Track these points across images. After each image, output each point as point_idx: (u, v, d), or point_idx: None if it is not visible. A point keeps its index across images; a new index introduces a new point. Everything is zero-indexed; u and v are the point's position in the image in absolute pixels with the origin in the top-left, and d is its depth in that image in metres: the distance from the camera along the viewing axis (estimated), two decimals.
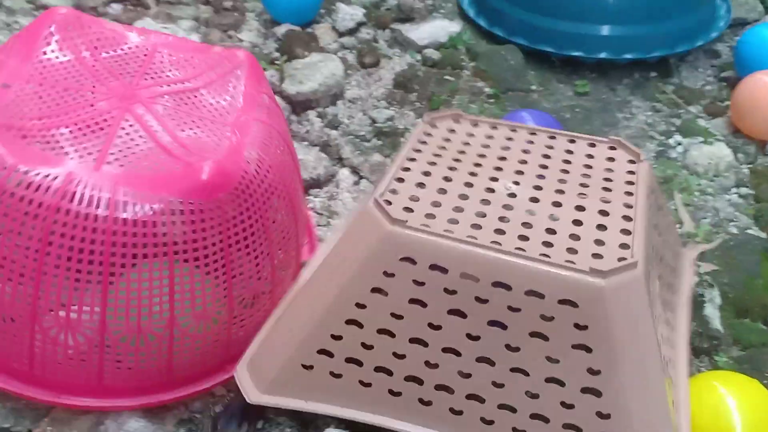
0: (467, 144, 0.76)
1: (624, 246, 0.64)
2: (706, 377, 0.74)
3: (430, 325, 0.62)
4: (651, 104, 1.26)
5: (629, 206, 0.68)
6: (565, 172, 0.73)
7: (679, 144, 1.17)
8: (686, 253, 0.88)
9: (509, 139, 0.77)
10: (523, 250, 0.62)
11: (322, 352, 0.65)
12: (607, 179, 0.72)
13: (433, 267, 0.61)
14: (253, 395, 0.68)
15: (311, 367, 0.66)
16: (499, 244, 0.62)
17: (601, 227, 0.66)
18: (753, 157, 1.14)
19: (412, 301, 0.62)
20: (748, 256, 0.96)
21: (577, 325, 0.59)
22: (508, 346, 0.61)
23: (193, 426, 0.71)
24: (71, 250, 0.61)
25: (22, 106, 0.66)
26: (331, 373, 0.65)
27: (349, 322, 0.64)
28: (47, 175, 0.61)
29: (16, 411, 0.70)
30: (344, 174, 1.02)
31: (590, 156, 0.75)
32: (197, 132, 0.69)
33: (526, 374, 0.61)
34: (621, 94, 1.29)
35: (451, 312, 0.62)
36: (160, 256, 0.62)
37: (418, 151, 0.74)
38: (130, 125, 0.67)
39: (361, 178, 1.02)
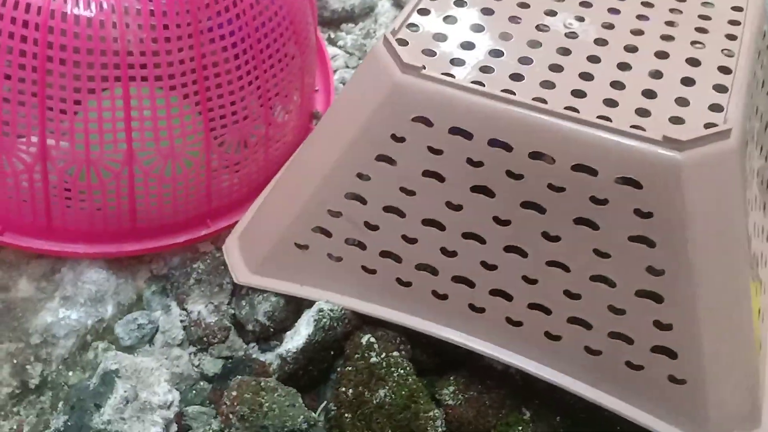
0: None
1: (716, 108, 0.48)
2: None
3: (449, 204, 0.50)
4: None
5: (729, 54, 0.51)
6: (648, 5, 0.56)
7: None
8: None
9: None
10: (576, 110, 0.47)
11: (318, 230, 0.54)
12: (703, 16, 0.55)
13: (455, 130, 0.48)
14: (242, 275, 0.58)
15: (306, 246, 0.55)
16: (545, 102, 0.48)
17: (688, 81, 0.50)
18: None
19: (427, 173, 0.50)
20: None
21: (638, 212, 0.46)
22: (545, 234, 0.48)
23: (167, 283, 0.61)
24: None
25: None
26: (330, 256, 0.55)
27: (349, 196, 0.52)
28: None
29: None
30: (385, 6, 0.85)
31: None
32: None
33: (566, 269, 0.48)
34: None
35: (475, 189, 0.49)
36: (110, 69, 0.51)
37: None
38: None
39: None
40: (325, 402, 0.54)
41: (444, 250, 0.51)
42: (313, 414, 0.52)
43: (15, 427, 0.54)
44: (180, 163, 0.57)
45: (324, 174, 0.53)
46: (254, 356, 0.58)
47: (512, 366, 0.52)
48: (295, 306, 0.58)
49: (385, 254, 0.53)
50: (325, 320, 0.54)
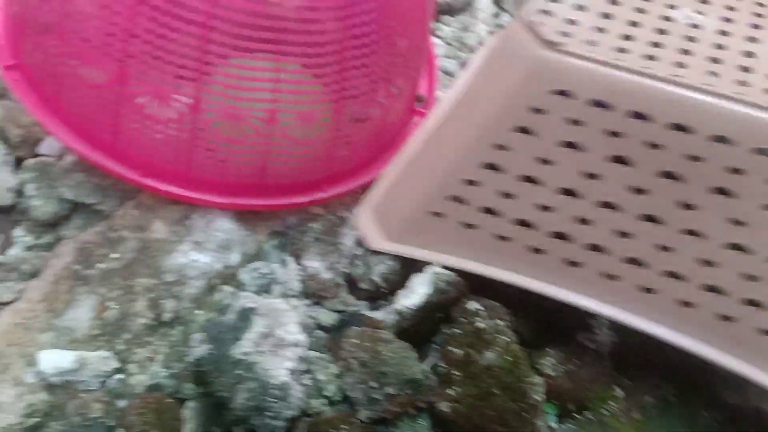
0: None
1: None
2: None
3: (586, 174, 0.52)
4: None
5: None
6: (761, 5, 0.59)
7: None
8: None
9: None
10: (711, 86, 0.50)
11: (454, 199, 0.56)
12: None
13: (595, 103, 0.51)
14: (376, 242, 0.60)
15: (441, 215, 0.57)
16: (681, 78, 0.50)
17: None
18: None
19: (565, 143, 0.52)
20: None
21: None
22: (681, 204, 0.51)
23: (285, 239, 0.64)
24: (171, 2, 0.52)
25: None
26: (464, 224, 0.57)
27: (486, 166, 0.55)
28: None
29: (102, 189, 0.64)
30: (484, 2, 0.89)
31: None
32: None
33: (702, 237, 0.51)
34: None
35: (613, 159, 0.51)
36: (268, 32, 0.53)
37: None
38: None
39: (502, 10, 0.89)
40: (433, 359, 0.57)
41: (579, 218, 0.53)
42: (426, 367, 0.55)
43: (149, 354, 0.57)
44: (313, 128, 0.59)
45: (461, 145, 0.55)
46: (363, 312, 0.61)
47: (647, 333, 0.54)
48: (405, 271, 0.61)
49: (519, 222, 0.55)
50: (440, 283, 0.57)
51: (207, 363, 0.53)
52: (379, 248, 0.60)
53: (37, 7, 0.57)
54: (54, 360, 0.55)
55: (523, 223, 0.55)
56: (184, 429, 0.54)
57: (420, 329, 0.58)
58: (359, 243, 0.62)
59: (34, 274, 0.61)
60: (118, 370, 0.56)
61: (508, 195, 0.55)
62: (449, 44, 0.85)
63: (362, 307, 0.62)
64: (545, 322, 0.58)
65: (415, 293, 0.58)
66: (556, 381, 0.56)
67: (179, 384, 0.56)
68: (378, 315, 0.60)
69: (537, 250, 0.55)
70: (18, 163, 0.66)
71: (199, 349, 0.54)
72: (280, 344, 0.55)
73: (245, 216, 0.63)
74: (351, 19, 0.56)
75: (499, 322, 0.56)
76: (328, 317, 0.61)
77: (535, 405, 0.54)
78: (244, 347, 0.53)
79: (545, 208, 0.54)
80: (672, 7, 0.58)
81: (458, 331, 0.56)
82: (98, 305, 0.58)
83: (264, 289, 0.61)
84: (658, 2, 0.59)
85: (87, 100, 0.58)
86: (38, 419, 0.53)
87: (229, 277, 0.61)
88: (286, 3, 0.54)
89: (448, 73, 0.81)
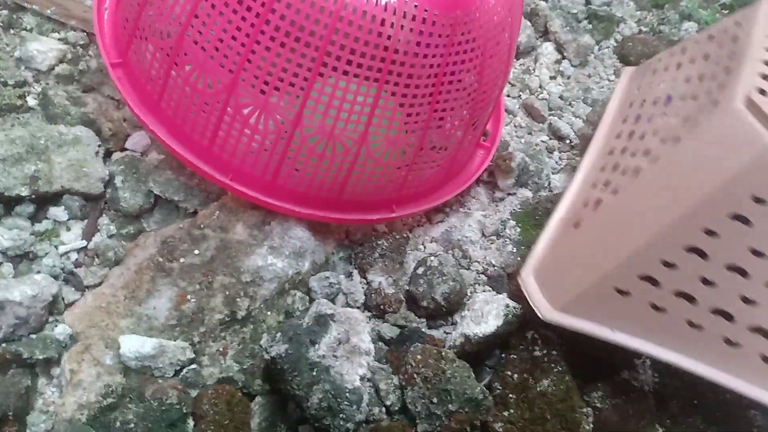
0: None
1: None
2: None
3: None
4: None
5: None
6: None
7: None
8: None
9: None
10: None
11: (646, 278, 0.51)
12: None
13: None
14: (547, 312, 0.53)
15: (628, 293, 0.52)
16: None
17: None
18: None
19: None
20: None
21: None
22: None
23: (351, 253, 0.66)
24: (293, 24, 0.53)
25: None
26: (653, 305, 0.52)
27: (690, 249, 0.50)
28: None
29: (188, 188, 0.65)
30: (547, 49, 0.88)
31: None
32: None
33: None
34: None
35: None
36: (377, 62, 0.54)
37: None
38: None
39: (563, 58, 0.88)
40: (486, 380, 0.58)
41: None
42: (484, 387, 0.54)
43: (221, 349, 0.58)
44: (397, 151, 0.60)
45: (664, 224, 0.49)
46: (423, 330, 0.62)
47: None
48: (463, 292, 0.62)
49: (717, 312, 0.50)
50: (510, 316, 0.57)
51: (284, 362, 0.54)
52: (550, 320, 0.54)
53: (159, 15, 0.57)
54: (135, 345, 0.55)
55: (722, 314, 0.51)
56: (251, 422, 0.55)
57: (478, 354, 0.60)
58: (421, 264, 0.63)
59: (117, 262, 0.61)
60: (191, 361, 0.57)
61: (709, 282, 0.50)
62: (511, 84, 0.85)
63: (421, 325, 0.63)
64: (592, 357, 0.58)
65: (487, 323, 0.58)
66: (604, 413, 0.57)
67: (249, 379, 0.57)
68: (436, 333, 0.62)
69: (732, 343, 0.51)
70: (107, 155, 0.66)
71: (277, 348, 0.54)
72: (355, 351, 0.56)
73: (317, 227, 0.64)
74: (451, 57, 0.57)
75: (553, 352, 0.56)
76: (389, 330, 0.62)
77: None
78: (320, 350, 0.55)
79: (749, 301, 0.50)
80: None
81: (515, 356, 0.56)
82: (178, 297, 0.58)
83: (330, 298, 0.62)
84: None
85: (191, 105, 0.58)
86: (113, 400, 0.54)
87: (299, 283, 0.62)
88: (399, 35, 0.53)
89: (508, 112, 0.81)
